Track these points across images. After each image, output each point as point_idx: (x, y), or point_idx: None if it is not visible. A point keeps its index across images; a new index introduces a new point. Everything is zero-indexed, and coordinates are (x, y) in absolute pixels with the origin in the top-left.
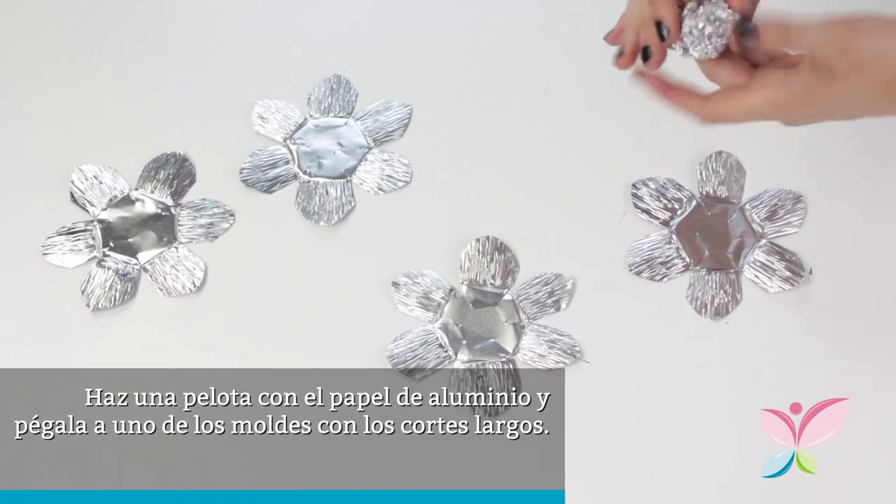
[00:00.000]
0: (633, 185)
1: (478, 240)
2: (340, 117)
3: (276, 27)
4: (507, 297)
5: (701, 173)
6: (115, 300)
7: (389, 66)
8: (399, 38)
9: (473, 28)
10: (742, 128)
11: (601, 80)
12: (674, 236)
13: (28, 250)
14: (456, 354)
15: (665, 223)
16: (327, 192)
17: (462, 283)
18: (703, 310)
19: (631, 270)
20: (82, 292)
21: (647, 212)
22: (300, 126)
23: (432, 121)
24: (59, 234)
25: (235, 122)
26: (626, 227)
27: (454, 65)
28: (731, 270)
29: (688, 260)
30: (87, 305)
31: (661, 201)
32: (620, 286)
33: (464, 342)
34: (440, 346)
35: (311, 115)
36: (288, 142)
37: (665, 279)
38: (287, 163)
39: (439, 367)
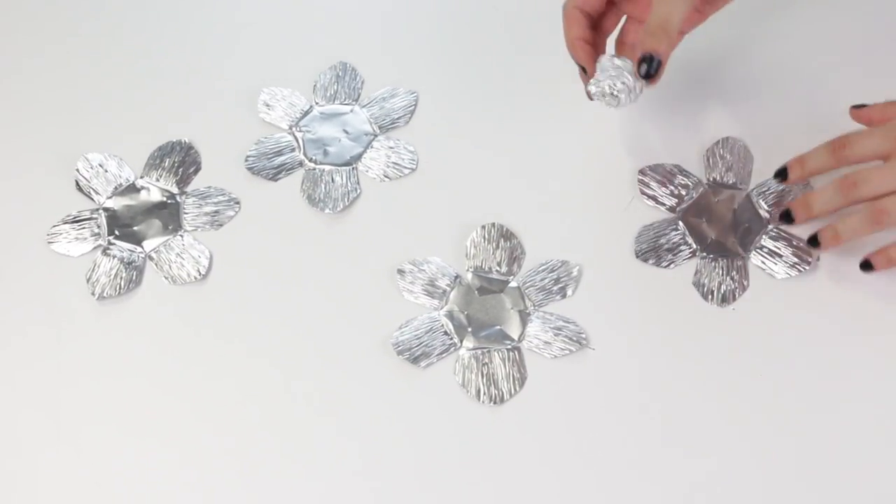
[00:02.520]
0: (640, 171)
1: (483, 226)
2: (346, 104)
3: (282, 14)
4: (513, 284)
5: (708, 159)
6: (120, 288)
7: (396, 52)
8: (405, 24)
9: (480, 14)
10: (749, 113)
11: None
12: (680, 222)
13: (33, 238)
14: (461, 342)
15: (672, 209)
16: (333, 180)
17: (467, 270)
18: (710, 296)
19: (637, 257)
20: (87, 280)
21: (654, 198)
22: (306, 113)
23: (438, 108)
24: (64, 223)
25: (241, 109)
26: (632, 213)
27: (461, 51)
28: (739, 257)
29: (694, 246)
30: (93, 294)
31: (667, 188)
32: (627, 273)
33: (469, 329)
34: (445, 333)
35: (316, 103)
36: (293, 129)
37: (672, 266)
38: (292, 150)
39: (444, 355)
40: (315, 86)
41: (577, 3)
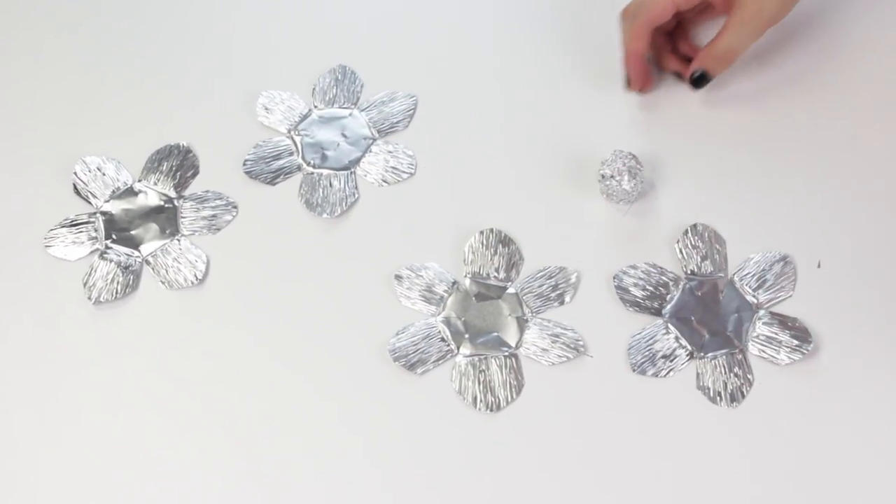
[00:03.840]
0: (614, 276)
1: (482, 232)
2: (345, 108)
3: (281, 17)
4: (511, 290)
5: (681, 251)
6: (116, 293)
7: (395, 56)
8: (405, 28)
9: (480, 18)
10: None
11: (609, 70)
12: (670, 325)
13: (30, 242)
14: (458, 348)
15: (657, 312)
16: (331, 184)
17: (465, 275)
18: (718, 398)
19: (634, 371)
20: (84, 285)
21: (636, 304)
22: (305, 117)
23: (438, 112)
24: (62, 226)
25: (239, 113)
26: (632, 219)
27: (460, 55)
28: (737, 350)
29: (689, 348)
30: (89, 298)
31: (647, 290)
32: None
33: (466, 336)
34: (442, 339)
35: (315, 106)
36: (292, 133)
37: (671, 373)
38: (291, 154)
39: (441, 362)
40: (314, 89)
41: (651, 20)
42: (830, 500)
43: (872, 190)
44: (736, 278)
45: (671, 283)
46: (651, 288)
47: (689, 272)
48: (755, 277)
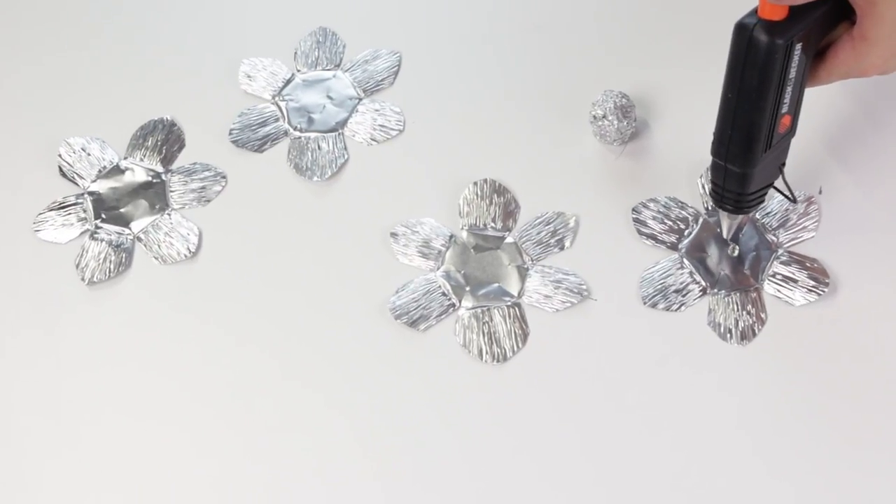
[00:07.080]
0: (633, 209)
1: (475, 183)
2: (328, 70)
3: None
4: (509, 239)
5: (703, 186)
6: (109, 272)
7: (375, 13)
8: None
9: None
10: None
11: (594, 15)
12: (685, 260)
13: (19, 228)
14: (460, 301)
15: (673, 247)
16: (319, 147)
17: (462, 228)
18: (728, 335)
19: (645, 303)
20: (76, 266)
21: (652, 236)
22: (288, 82)
23: (422, 66)
24: (50, 210)
25: (222, 82)
26: (626, 159)
27: (442, 7)
28: (752, 288)
29: (703, 284)
30: (83, 279)
31: (665, 223)
32: (624, 221)
33: (467, 289)
34: (443, 294)
35: (298, 70)
36: (276, 99)
37: (682, 307)
38: (277, 120)
39: (443, 316)
40: (296, 53)
41: None
42: (831, 445)
43: None
44: (757, 216)
45: (690, 219)
46: (670, 222)
47: (709, 208)
48: (778, 216)
